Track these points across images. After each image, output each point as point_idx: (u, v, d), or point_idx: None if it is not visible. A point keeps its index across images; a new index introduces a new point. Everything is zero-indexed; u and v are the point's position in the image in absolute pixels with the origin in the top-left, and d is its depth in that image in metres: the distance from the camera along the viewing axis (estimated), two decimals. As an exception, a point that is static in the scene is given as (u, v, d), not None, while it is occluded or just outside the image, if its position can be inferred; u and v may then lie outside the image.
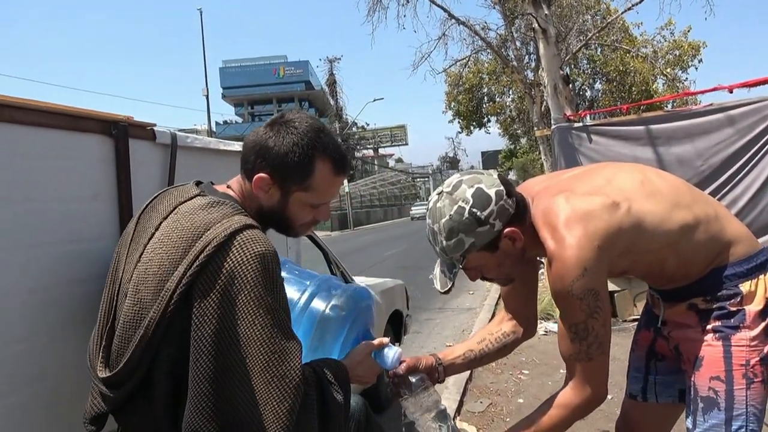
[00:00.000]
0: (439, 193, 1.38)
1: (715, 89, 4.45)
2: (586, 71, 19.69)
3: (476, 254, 1.36)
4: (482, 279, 1.49)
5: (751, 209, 5.13)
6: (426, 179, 69.25)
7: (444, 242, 1.34)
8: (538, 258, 1.54)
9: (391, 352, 1.40)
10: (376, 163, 56.64)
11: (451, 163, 66.38)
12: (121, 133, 1.71)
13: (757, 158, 5.31)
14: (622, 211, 1.31)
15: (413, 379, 1.46)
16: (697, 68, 17.79)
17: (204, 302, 1.06)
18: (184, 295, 1.07)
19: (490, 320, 5.92)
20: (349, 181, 35.03)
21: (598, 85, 20.10)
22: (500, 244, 1.36)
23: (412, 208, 41.16)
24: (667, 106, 13.21)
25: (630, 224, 1.31)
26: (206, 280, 1.07)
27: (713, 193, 5.08)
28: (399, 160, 66.52)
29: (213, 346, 1.04)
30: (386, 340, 1.42)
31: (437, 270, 1.43)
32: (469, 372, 4.26)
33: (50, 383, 1.47)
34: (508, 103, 20.75)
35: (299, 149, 1.18)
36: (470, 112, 20.96)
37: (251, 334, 1.05)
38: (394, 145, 57.42)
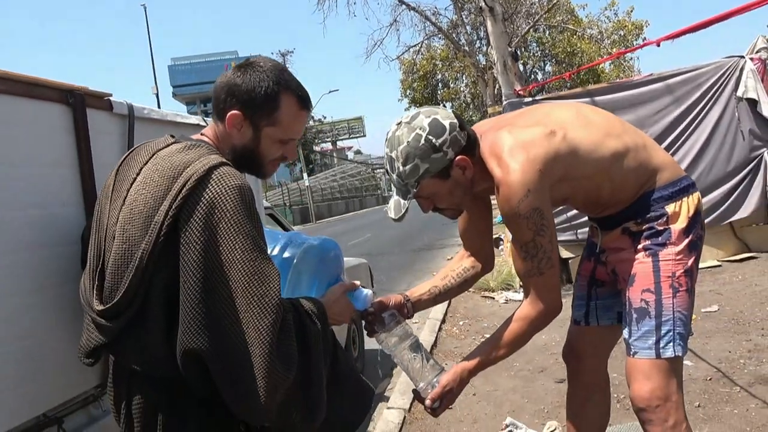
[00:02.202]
0: (398, 123, 1.49)
1: (643, 45, 4.67)
2: (535, 54, 20.13)
3: (429, 181, 1.47)
4: (434, 210, 1.60)
5: (690, 173, 5.43)
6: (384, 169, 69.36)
7: (400, 167, 1.46)
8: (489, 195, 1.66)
9: (362, 294, 1.48)
10: (335, 155, 56.47)
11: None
12: (77, 101, 1.74)
13: (694, 125, 5.62)
14: (558, 138, 1.46)
15: (385, 316, 1.56)
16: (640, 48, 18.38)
17: (189, 230, 1.15)
18: (172, 226, 1.16)
19: (442, 321, 6.05)
20: (309, 175, 34.87)
21: (548, 68, 20.58)
22: (452, 173, 1.47)
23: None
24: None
25: (566, 150, 1.46)
26: (189, 210, 1.15)
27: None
28: (358, 152, 66.47)
29: (199, 269, 1.13)
30: (358, 282, 1.51)
31: (392, 200, 1.54)
32: (434, 337, 4.41)
33: (28, 341, 1.51)
34: (462, 89, 21.04)
35: (265, 84, 1.28)
36: (426, 99, 21.19)
37: (233, 258, 1.14)
38: (353, 137, 57.27)
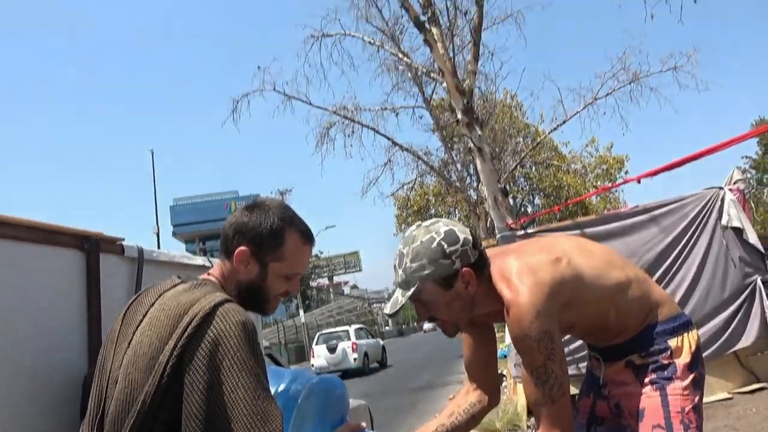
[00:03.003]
0: (417, 225, 1.55)
1: (625, 182, 4.92)
2: (524, 188, 20.99)
3: (432, 285, 1.49)
4: (429, 320, 1.60)
5: (684, 303, 5.45)
6: (382, 304, 68.97)
7: (408, 263, 1.49)
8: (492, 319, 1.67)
9: None
10: (331, 290, 56.37)
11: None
12: (92, 247, 1.83)
13: (684, 254, 5.74)
14: (564, 264, 1.52)
15: None
16: (624, 178, 19.32)
17: (192, 368, 1.15)
18: (176, 366, 1.16)
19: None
20: (305, 311, 34.53)
21: (537, 201, 21.35)
22: (455, 284, 1.50)
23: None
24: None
25: (571, 275, 1.51)
26: (194, 348, 1.16)
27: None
28: (354, 287, 66.44)
29: (201, 409, 1.12)
30: (363, 424, 1.50)
31: (392, 298, 1.55)
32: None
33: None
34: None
35: (271, 220, 1.36)
36: (420, 233, 21.59)
37: (236, 397, 1.13)
38: (349, 272, 57.64)
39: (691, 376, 1.51)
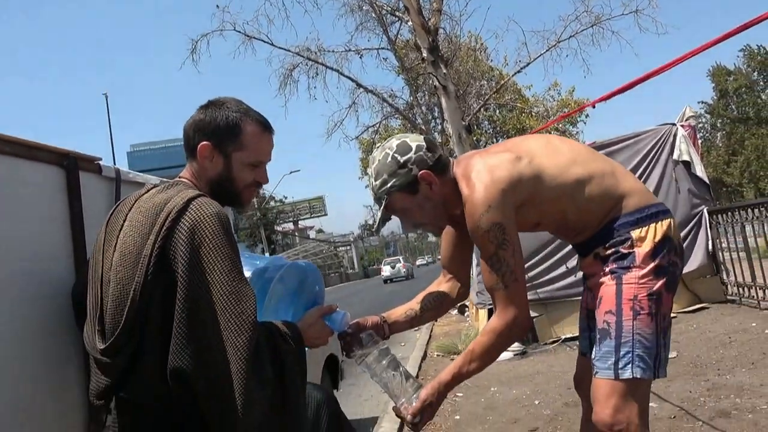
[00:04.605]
0: (375, 147, 1.70)
1: (582, 108, 5.10)
2: (488, 131, 21.15)
3: (398, 195, 1.63)
4: (414, 227, 1.73)
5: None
6: (348, 247, 69.47)
7: (374, 182, 1.64)
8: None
9: (339, 316, 1.56)
10: (297, 235, 56.40)
11: (371, 231, 67.20)
12: (71, 164, 1.87)
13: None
14: (524, 163, 1.60)
15: (363, 336, 1.62)
16: (585, 122, 19.70)
17: (174, 258, 1.25)
18: (159, 258, 1.25)
19: (423, 358, 6.09)
20: (270, 255, 34.57)
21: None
22: (419, 188, 1.62)
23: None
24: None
25: (530, 174, 1.59)
26: (173, 240, 1.26)
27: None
28: (320, 231, 66.64)
29: (182, 291, 1.22)
30: (335, 305, 1.59)
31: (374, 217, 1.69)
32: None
33: (12, 393, 1.54)
34: (419, 165, 21.66)
35: (226, 114, 1.44)
36: (385, 176, 21.66)
37: (212, 279, 1.23)
38: (314, 217, 57.62)
39: (653, 264, 1.55)
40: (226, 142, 1.44)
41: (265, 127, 1.50)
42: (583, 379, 1.90)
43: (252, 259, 1.64)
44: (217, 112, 1.44)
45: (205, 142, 1.43)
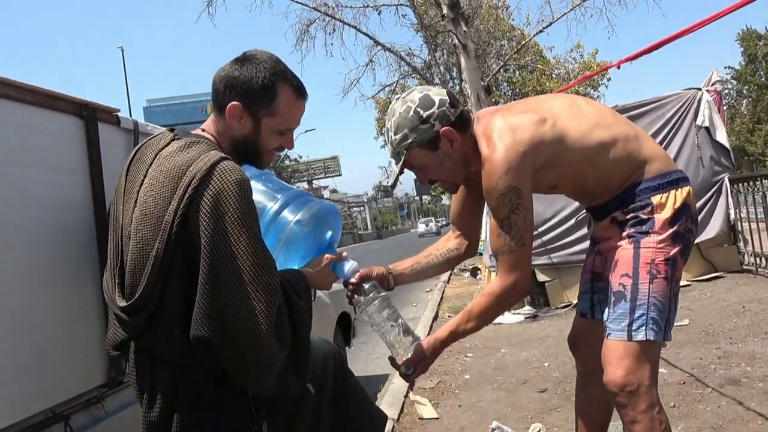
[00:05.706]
0: (396, 99, 1.63)
1: (606, 68, 4.97)
2: (507, 93, 20.79)
3: (418, 151, 1.60)
4: (430, 182, 1.71)
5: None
6: (362, 208, 69.65)
7: (393, 136, 1.60)
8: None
9: (347, 264, 1.57)
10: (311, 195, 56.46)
11: (386, 192, 67.24)
12: (90, 115, 1.87)
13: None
14: (548, 126, 1.56)
15: (366, 285, 1.63)
16: (606, 86, 19.26)
17: (197, 226, 1.23)
18: (181, 225, 1.24)
19: (434, 319, 6.16)
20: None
21: (519, 106, 21.18)
22: (440, 144, 1.59)
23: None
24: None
25: (552, 137, 1.56)
26: (196, 208, 1.23)
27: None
28: (334, 191, 66.72)
29: (206, 261, 1.21)
30: (345, 254, 1.59)
31: (390, 172, 1.67)
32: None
33: (37, 336, 1.59)
34: (436, 126, 21.43)
35: (262, 75, 1.36)
36: (401, 137, 21.47)
37: (238, 250, 1.22)
38: (328, 176, 57.59)
39: (672, 230, 1.55)
40: (258, 106, 1.37)
41: (301, 93, 1.42)
42: (578, 341, 1.93)
43: (274, 190, 1.56)
44: (252, 70, 1.36)
45: (235, 102, 1.36)
